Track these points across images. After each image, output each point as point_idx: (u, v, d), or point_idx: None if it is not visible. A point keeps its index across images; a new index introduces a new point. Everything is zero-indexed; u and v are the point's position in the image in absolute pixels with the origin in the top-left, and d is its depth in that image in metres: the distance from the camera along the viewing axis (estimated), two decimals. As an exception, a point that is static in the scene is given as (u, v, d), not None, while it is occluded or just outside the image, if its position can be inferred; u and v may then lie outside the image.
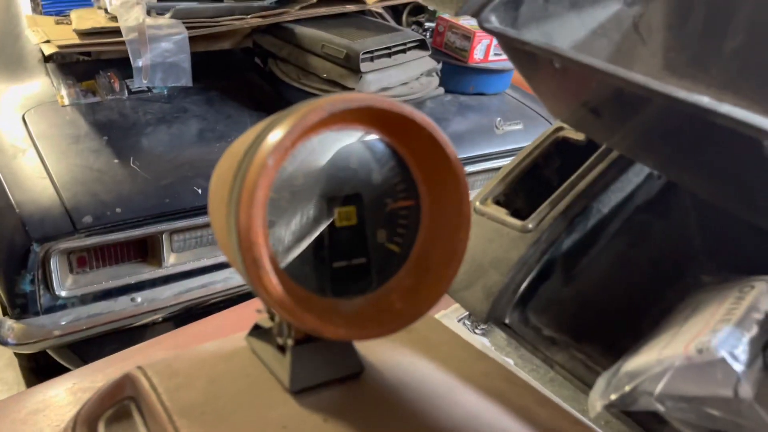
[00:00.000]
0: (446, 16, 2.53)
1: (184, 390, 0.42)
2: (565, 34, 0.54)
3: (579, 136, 0.67)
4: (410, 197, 0.41)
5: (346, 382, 0.42)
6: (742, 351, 0.45)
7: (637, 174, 0.63)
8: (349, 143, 0.39)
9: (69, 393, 0.83)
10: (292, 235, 0.38)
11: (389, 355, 0.46)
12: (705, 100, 0.35)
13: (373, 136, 0.40)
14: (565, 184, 0.63)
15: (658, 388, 0.44)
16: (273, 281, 0.34)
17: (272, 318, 0.45)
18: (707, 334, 0.46)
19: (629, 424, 0.50)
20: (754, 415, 0.43)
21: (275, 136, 0.33)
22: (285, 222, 0.38)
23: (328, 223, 0.39)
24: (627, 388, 0.46)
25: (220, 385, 0.43)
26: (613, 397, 0.47)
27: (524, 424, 0.40)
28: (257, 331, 0.47)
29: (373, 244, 0.40)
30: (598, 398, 0.48)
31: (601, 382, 0.49)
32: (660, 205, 0.63)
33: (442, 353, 0.48)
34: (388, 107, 0.36)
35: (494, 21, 0.48)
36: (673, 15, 0.57)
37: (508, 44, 0.49)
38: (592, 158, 0.64)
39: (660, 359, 0.46)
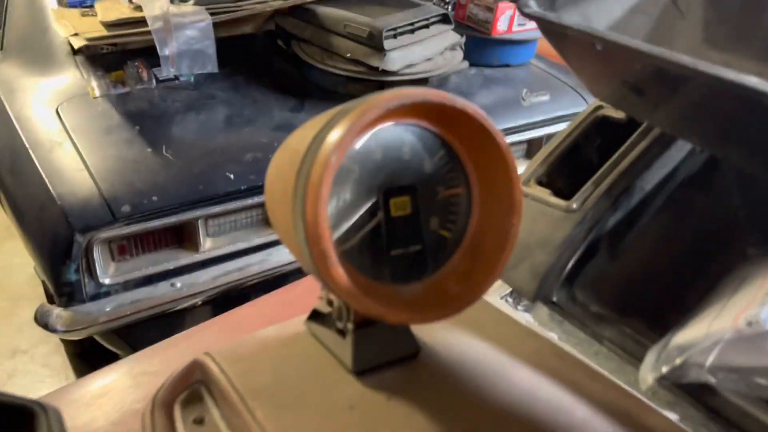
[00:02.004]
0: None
1: (252, 374, 0.45)
2: (603, 14, 0.54)
3: (619, 115, 0.67)
4: (461, 185, 0.42)
5: (404, 362, 0.45)
6: (792, 323, 0.46)
7: (679, 150, 0.63)
8: (401, 135, 0.41)
9: (129, 377, 0.87)
10: (352, 226, 0.40)
11: (442, 335, 0.48)
12: (754, 80, 0.35)
13: (423, 128, 0.41)
14: (607, 163, 0.64)
15: (709, 360, 0.46)
16: (339, 272, 0.36)
17: (330, 304, 0.47)
18: (756, 307, 0.47)
19: (680, 396, 0.51)
20: (804, 383, 0.44)
21: (336, 133, 0.35)
22: (343, 213, 0.40)
23: (383, 213, 0.41)
24: (678, 361, 0.47)
25: (285, 369, 0.45)
26: (664, 370, 0.48)
27: (578, 398, 0.42)
28: (316, 316, 0.49)
29: (428, 232, 0.42)
30: (649, 371, 0.49)
31: (651, 356, 0.51)
32: (703, 180, 0.63)
33: (493, 332, 0.50)
34: (441, 101, 0.37)
35: (533, 5, 0.49)
36: (712, -13, 0.57)
37: (548, 28, 0.49)
38: (633, 136, 0.64)
39: (709, 333, 0.47)
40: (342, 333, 0.45)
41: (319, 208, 0.34)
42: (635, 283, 0.62)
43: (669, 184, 0.63)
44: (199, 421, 0.45)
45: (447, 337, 0.47)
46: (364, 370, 0.43)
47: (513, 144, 2.13)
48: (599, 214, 0.62)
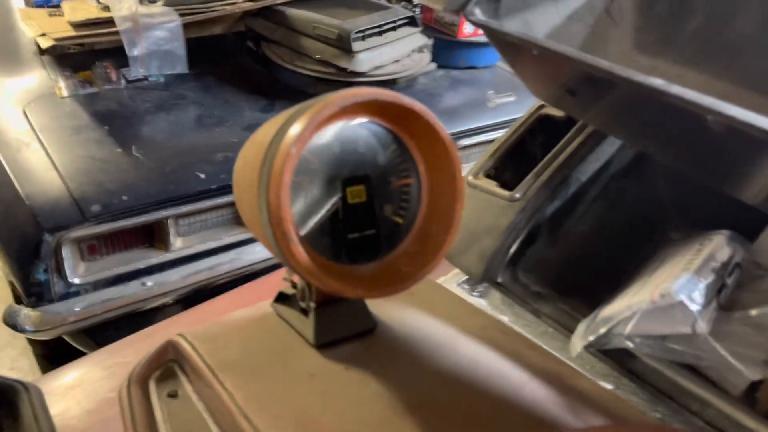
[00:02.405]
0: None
1: (222, 351, 0.49)
2: (543, 22, 0.59)
3: (559, 113, 0.73)
4: (411, 176, 0.47)
5: (362, 336, 0.49)
6: (699, 294, 0.52)
7: (611, 145, 0.70)
8: (357, 131, 0.45)
9: (101, 368, 0.90)
10: (312, 211, 0.44)
11: (398, 313, 0.53)
12: (658, 82, 0.40)
13: (377, 124, 0.46)
14: (547, 157, 0.70)
15: (628, 329, 0.52)
16: (300, 251, 0.40)
17: (294, 286, 0.52)
18: (669, 282, 0.53)
19: (605, 361, 0.57)
20: (710, 347, 0.50)
21: (296, 128, 0.39)
22: (305, 201, 0.44)
23: (341, 200, 0.45)
24: (602, 330, 0.53)
25: (253, 345, 0.49)
26: (590, 338, 0.54)
27: (517, 366, 0.47)
28: (281, 298, 0.53)
29: (381, 218, 0.47)
30: (578, 340, 0.55)
31: (581, 327, 0.56)
32: (632, 171, 0.70)
33: (444, 311, 0.54)
34: (390, 99, 0.42)
35: (478, 14, 0.54)
36: (641, -1, 0.63)
37: (492, 35, 0.54)
38: (570, 132, 0.71)
39: (630, 305, 0.53)
40: (305, 312, 0.49)
41: (281, 194, 0.39)
42: (571, 265, 0.68)
43: (602, 176, 0.70)
44: (173, 395, 0.49)
45: (401, 315, 0.52)
46: (324, 343, 0.48)
47: (479, 144, 2.19)
48: (539, 203, 0.68)
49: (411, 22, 2.20)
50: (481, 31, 2.37)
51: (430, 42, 2.28)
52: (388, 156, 0.47)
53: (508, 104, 2.30)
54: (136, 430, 0.44)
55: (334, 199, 0.45)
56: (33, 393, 0.48)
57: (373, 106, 0.43)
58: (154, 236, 1.76)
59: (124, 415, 0.47)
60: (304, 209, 0.44)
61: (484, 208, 0.69)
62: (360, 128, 0.45)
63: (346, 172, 0.45)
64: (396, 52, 2.15)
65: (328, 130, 0.44)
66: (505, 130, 2.25)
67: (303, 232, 0.44)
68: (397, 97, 0.42)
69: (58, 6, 2.19)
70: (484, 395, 0.44)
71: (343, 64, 2.01)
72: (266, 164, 0.40)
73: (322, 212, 0.45)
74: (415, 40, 2.22)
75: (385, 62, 2.11)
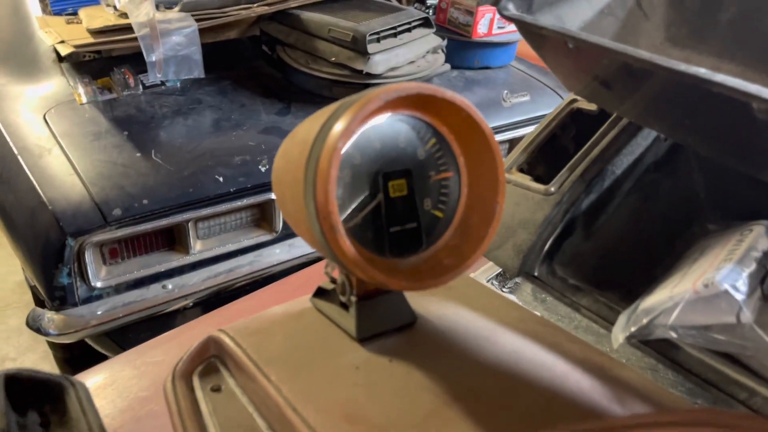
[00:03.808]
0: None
1: (265, 345, 0.49)
2: (575, 15, 0.59)
3: (591, 107, 0.74)
4: (451, 169, 0.48)
5: (403, 330, 0.50)
6: (743, 284, 0.52)
7: (645, 138, 0.69)
8: (397, 125, 0.46)
9: (133, 368, 0.90)
10: (355, 206, 0.45)
11: (436, 307, 0.53)
12: (702, 71, 0.41)
13: (416, 118, 0.46)
14: (581, 151, 0.70)
15: (671, 319, 0.51)
16: (347, 243, 0.40)
17: (333, 281, 0.52)
18: (712, 272, 0.53)
19: (645, 351, 0.57)
20: (755, 336, 0.50)
21: (341, 124, 0.40)
22: (348, 195, 0.45)
23: (383, 194, 0.46)
24: (644, 321, 0.53)
25: (295, 340, 0.50)
26: (633, 329, 0.54)
27: (559, 357, 0.47)
28: (320, 293, 0.54)
29: (422, 211, 0.47)
30: (620, 332, 0.55)
31: (622, 319, 0.56)
32: (667, 164, 0.70)
33: (480, 304, 0.55)
34: (432, 93, 0.42)
35: (512, 8, 0.54)
36: (673, -9, 0.63)
37: (526, 29, 0.55)
38: (604, 126, 0.71)
39: (672, 296, 0.53)
40: (345, 306, 0.50)
41: (329, 189, 0.39)
42: (608, 258, 0.68)
43: (637, 169, 0.70)
44: (217, 389, 0.49)
45: (440, 308, 0.52)
46: (366, 337, 0.48)
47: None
48: (575, 196, 0.68)
49: (425, 23, 2.20)
50: (496, 31, 2.37)
51: (443, 43, 2.28)
52: (428, 150, 0.47)
53: (524, 103, 2.30)
54: (183, 423, 0.45)
55: (376, 193, 0.45)
56: (80, 389, 0.49)
57: (413, 99, 0.43)
58: (174, 239, 1.78)
59: (171, 409, 0.47)
60: (346, 204, 0.45)
61: (519, 203, 0.70)
62: (400, 122, 0.46)
63: (387, 167, 0.45)
64: (411, 54, 2.15)
65: (369, 125, 0.44)
66: (521, 129, 2.26)
67: (346, 226, 0.44)
68: (439, 90, 0.43)
69: (75, 14, 2.22)
70: (528, 386, 0.44)
71: (358, 66, 2.02)
72: (312, 160, 0.41)
73: (365, 206, 0.45)
74: (429, 41, 2.22)
75: (400, 63, 2.12)
